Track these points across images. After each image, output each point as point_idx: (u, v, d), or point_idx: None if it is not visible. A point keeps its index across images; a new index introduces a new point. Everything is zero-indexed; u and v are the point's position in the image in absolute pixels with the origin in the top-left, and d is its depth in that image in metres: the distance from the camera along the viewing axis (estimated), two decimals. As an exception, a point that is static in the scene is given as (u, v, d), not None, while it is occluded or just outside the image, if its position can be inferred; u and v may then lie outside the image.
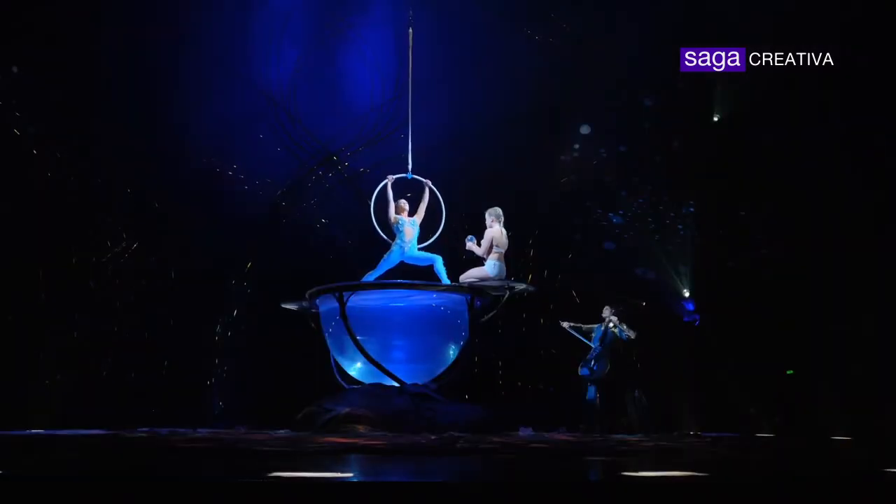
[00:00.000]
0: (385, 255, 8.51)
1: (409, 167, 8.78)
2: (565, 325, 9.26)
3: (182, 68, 10.37)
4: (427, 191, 8.72)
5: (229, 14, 10.66)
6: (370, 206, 8.68)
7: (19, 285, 9.47)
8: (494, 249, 8.47)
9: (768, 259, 10.25)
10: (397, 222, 8.52)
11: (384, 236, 8.63)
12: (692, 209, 10.96)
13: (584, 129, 11.09)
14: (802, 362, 9.76)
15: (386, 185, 8.61)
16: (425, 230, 8.76)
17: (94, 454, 5.28)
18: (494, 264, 8.45)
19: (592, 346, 9.11)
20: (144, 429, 8.07)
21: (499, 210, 8.61)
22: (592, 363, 8.98)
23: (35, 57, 9.74)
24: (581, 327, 9.25)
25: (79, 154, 10.05)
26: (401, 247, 8.48)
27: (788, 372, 9.94)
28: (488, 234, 8.52)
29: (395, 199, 8.62)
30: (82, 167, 10.06)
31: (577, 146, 11.20)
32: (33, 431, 8.07)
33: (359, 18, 11.14)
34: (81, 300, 9.77)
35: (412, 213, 8.65)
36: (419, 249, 8.62)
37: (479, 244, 8.57)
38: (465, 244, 8.71)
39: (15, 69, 9.72)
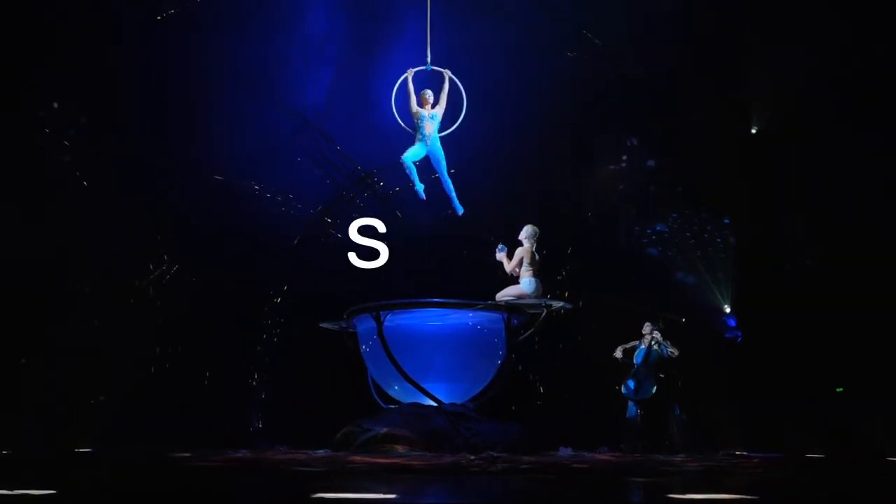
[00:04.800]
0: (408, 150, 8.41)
1: (428, 59, 8.56)
2: (618, 353, 9.14)
3: (217, 90, 10.54)
4: (447, 81, 8.48)
5: (264, 37, 10.82)
6: (392, 102, 8.46)
7: (64, 308, 9.67)
8: (528, 267, 8.42)
9: (813, 270, 10.02)
10: (418, 116, 8.40)
11: (405, 126, 8.48)
12: (728, 221, 10.79)
13: (631, 142, 11.02)
14: (853, 379, 9.48)
15: (406, 79, 8.47)
16: (449, 120, 8.58)
17: (138, 475, 5.34)
18: (530, 281, 8.41)
19: (635, 363, 9.00)
20: (185, 449, 8.14)
21: (534, 228, 8.57)
22: (637, 384, 8.86)
23: (72, 83, 9.95)
24: (626, 348, 9.16)
25: (121, 178, 10.24)
26: (422, 142, 8.37)
27: (838, 389, 9.66)
28: (519, 251, 8.49)
29: (418, 92, 8.48)
30: (124, 191, 10.25)
31: (625, 157, 11.14)
32: (79, 451, 8.21)
33: (392, 40, 11.23)
34: (122, 323, 9.93)
35: (434, 104, 8.46)
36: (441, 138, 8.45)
37: (508, 256, 8.53)
38: (495, 253, 8.66)
39: (56, 104, 9.95)
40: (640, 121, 10.94)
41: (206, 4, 10.44)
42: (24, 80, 9.63)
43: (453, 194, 8.54)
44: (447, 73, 8.52)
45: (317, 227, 11.06)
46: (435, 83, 8.64)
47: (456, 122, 8.51)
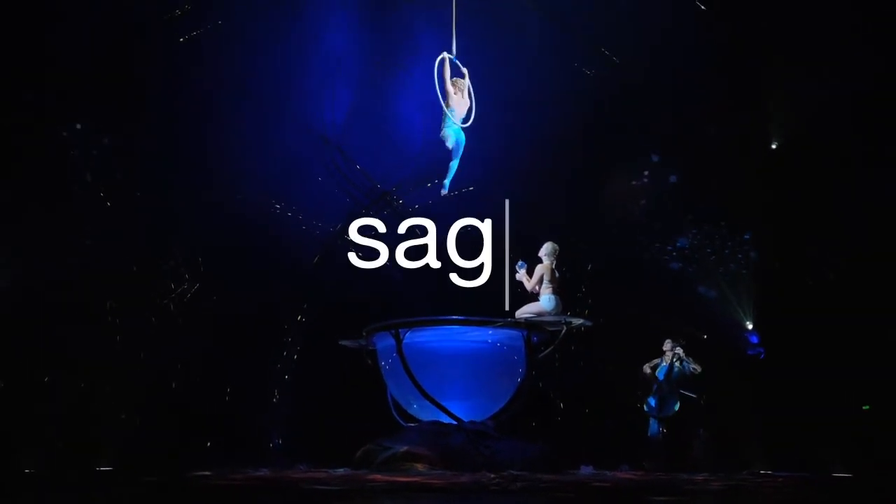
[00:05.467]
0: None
1: (454, 49, 8.57)
2: (647, 369, 9.06)
3: (238, 110, 10.64)
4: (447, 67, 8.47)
5: (283, 56, 10.93)
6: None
7: (86, 326, 9.77)
8: (547, 284, 8.41)
9: (835, 284, 9.89)
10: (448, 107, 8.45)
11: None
12: (748, 236, 10.69)
13: (652, 158, 10.99)
14: (880, 395, 9.31)
15: (443, 61, 8.46)
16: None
17: (159, 493, 5.36)
18: (550, 298, 8.39)
19: (658, 379, 8.93)
20: (206, 468, 8.15)
21: (553, 246, 8.55)
22: (659, 401, 8.78)
23: (94, 103, 10.05)
24: (651, 365, 9.09)
25: (142, 196, 10.36)
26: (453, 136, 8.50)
27: (865, 407, 9.49)
28: (539, 269, 8.47)
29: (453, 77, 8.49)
30: (145, 210, 10.36)
31: (646, 173, 11.10)
32: (100, 469, 8.26)
33: (409, 58, 11.31)
34: (143, 341, 10.01)
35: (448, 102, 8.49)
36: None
37: (528, 273, 8.52)
38: (515, 271, 8.65)
39: (78, 125, 10.09)
40: (659, 136, 10.91)
41: (227, 25, 10.59)
42: (47, 100, 9.79)
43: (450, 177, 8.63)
44: (446, 55, 8.50)
45: (336, 245, 11.11)
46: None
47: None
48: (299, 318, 10.79)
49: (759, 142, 10.84)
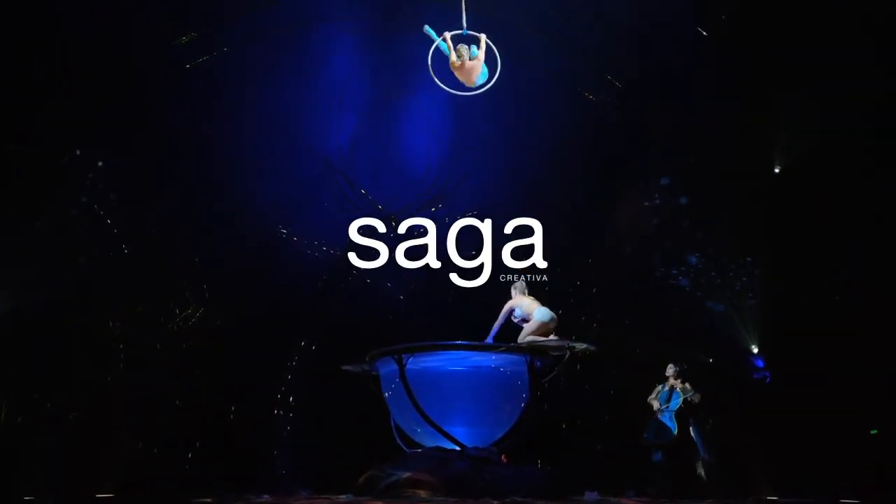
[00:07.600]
0: None
1: (464, 23, 8.48)
2: (655, 405, 9.01)
3: (242, 136, 10.72)
4: (483, 45, 8.39)
5: (288, 83, 11.02)
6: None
7: (89, 352, 9.78)
8: (531, 303, 8.48)
9: (843, 306, 9.84)
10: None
11: (444, 87, 8.52)
12: (750, 259, 10.68)
13: (664, 181, 11.01)
14: (888, 419, 9.23)
15: (445, 38, 8.38)
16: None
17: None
18: (542, 311, 8.43)
19: (660, 406, 8.88)
20: (207, 494, 8.12)
21: (519, 283, 8.64)
22: (659, 427, 8.74)
23: (98, 129, 10.10)
24: (654, 392, 9.05)
25: (147, 221, 10.41)
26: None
27: (873, 432, 9.41)
28: (510, 304, 8.56)
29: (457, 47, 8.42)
30: (149, 235, 10.41)
31: (655, 196, 11.12)
32: (101, 496, 8.23)
33: (415, 83, 11.40)
34: (146, 366, 10.01)
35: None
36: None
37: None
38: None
39: (78, 151, 10.14)
40: (663, 159, 10.94)
41: (232, 52, 10.70)
42: (51, 122, 9.85)
43: None
44: (483, 38, 8.45)
45: (341, 269, 11.12)
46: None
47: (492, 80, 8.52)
48: (303, 342, 10.79)
49: (762, 165, 10.85)
